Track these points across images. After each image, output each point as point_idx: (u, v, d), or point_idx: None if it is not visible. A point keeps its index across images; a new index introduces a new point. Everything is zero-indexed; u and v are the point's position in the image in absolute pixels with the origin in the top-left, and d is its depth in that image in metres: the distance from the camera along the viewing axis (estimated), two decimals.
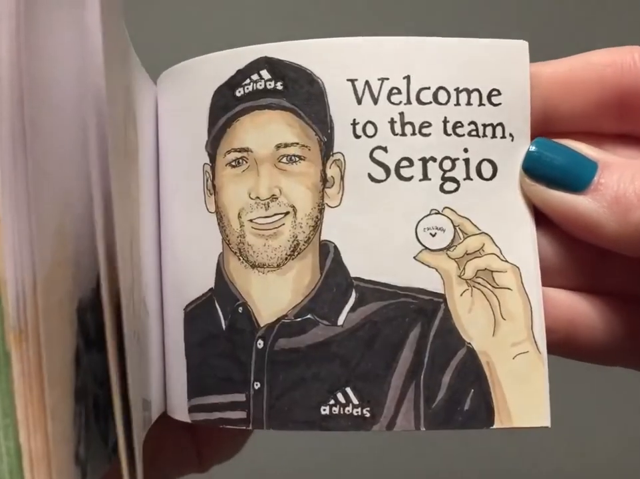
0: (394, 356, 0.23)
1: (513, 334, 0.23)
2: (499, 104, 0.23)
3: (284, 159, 0.24)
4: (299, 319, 0.23)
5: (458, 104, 0.23)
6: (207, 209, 0.25)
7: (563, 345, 0.23)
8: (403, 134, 0.23)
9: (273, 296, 0.24)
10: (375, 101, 0.23)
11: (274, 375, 0.23)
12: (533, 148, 0.23)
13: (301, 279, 0.23)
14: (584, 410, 0.53)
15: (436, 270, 0.23)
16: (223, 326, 0.24)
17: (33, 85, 0.17)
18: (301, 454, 0.54)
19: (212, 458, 0.31)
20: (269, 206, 0.24)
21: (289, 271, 0.23)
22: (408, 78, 0.23)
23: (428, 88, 0.23)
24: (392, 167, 0.23)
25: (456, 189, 0.23)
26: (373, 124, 0.23)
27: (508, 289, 0.23)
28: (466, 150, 0.23)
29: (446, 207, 0.23)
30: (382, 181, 0.23)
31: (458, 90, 0.23)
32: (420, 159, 0.23)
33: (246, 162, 0.24)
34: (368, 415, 0.23)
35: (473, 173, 0.23)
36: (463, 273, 0.23)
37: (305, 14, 0.57)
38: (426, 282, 0.23)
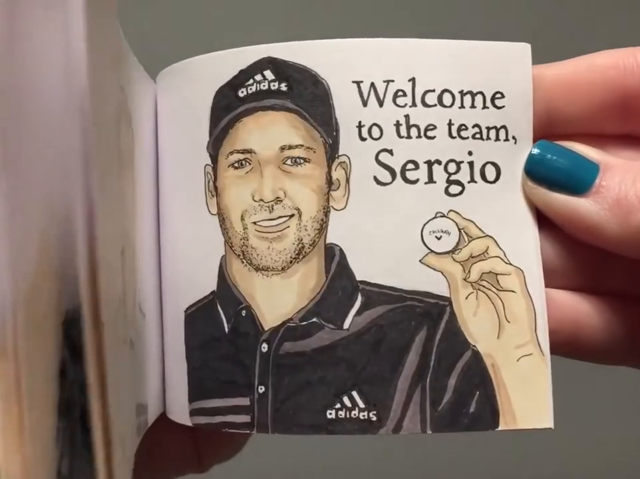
0: (400, 360, 0.23)
1: (518, 336, 0.23)
2: (503, 106, 0.23)
3: (289, 162, 0.23)
4: (304, 323, 0.23)
5: (462, 106, 0.23)
6: (209, 211, 0.24)
7: (566, 346, 0.23)
8: (409, 137, 0.23)
9: (277, 299, 0.23)
10: (381, 103, 0.23)
11: (279, 379, 0.23)
12: (535, 151, 0.23)
13: (306, 282, 0.23)
14: (584, 411, 0.54)
15: (442, 273, 0.23)
16: (226, 330, 0.24)
17: (13, 89, 0.17)
18: (301, 453, 0.54)
19: (212, 458, 0.31)
20: (273, 209, 0.23)
21: (294, 274, 0.23)
22: (413, 80, 0.23)
23: (433, 90, 0.23)
24: (398, 170, 0.23)
25: (461, 192, 0.23)
26: (379, 126, 0.23)
27: (512, 291, 0.23)
28: (470, 153, 0.23)
29: (451, 210, 0.23)
30: (387, 184, 0.23)
31: (462, 93, 0.23)
32: (425, 162, 0.23)
33: (249, 164, 0.24)
34: (374, 419, 0.23)
35: (477, 176, 0.23)
36: (468, 276, 0.23)
37: (307, 14, 0.56)
38: (432, 285, 0.23)
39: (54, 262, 0.18)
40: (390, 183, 0.23)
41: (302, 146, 0.23)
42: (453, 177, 0.23)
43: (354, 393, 0.23)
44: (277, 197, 0.23)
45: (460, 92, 0.23)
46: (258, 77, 0.24)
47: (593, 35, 0.49)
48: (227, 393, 0.24)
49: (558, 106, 0.24)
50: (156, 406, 0.26)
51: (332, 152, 0.23)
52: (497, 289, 0.23)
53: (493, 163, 0.23)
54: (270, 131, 0.23)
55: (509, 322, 0.23)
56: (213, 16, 0.55)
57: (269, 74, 0.24)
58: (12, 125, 0.17)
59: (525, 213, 0.24)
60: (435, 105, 0.23)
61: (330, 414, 0.23)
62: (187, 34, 0.51)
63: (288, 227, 0.23)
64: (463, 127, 0.23)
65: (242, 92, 0.24)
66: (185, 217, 0.25)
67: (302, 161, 0.23)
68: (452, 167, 0.23)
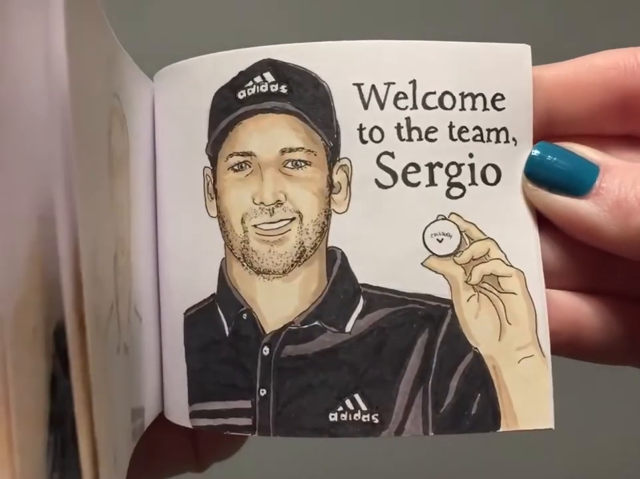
0: (402, 363, 0.23)
1: (519, 338, 0.23)
2: (503, 108, 0.23)
3: (289, 164, 0.23)
4: (305, 326, 0.23)
5: (463, 109, 0.23)
6: (208, 214, 0.24)
7: (567, 346, 0.24)
8: (410, 139, 0.23)
9: (278, 303, 0.23)
10: (382, 106, 0.23)
11: (281, 382, 0.23)
12: (534, 153, 0.23)
13: (308, 285, 0.23)
14: (583, 411, 0.54)
15: (443, 276, 0.23)
16: (227, 333, 0.24)
17: None
18: (300, 453, 0.54)
19: (210, 457, 0.31)
20: (273, 212, 0.23)
21: (295, 277, 0.23)
22: (414, 82, 0.23)
23: (434, 92, 0.23)
24: (399, 173, 0.23)
25: (462, 195, 0.23)
26: (380, 129, 0.23)
27: (513, 293, 0.23)
28: (471, 155, 0.23)
29: (453, 213, 0.23)
30: (389, 187, 0.23)
31: (463, 95, 0.23)
32: (426, 165, 0.23)
33: (249, 166, 0.24)
34: (376, 421, 0.23)
35: (478, 179, 0.23)
36: (469, 279, 0.23)
37: (308, 15, 0.56)
38: (434, 288, 0.23)
39: (43, 273, 0.18)
40: (392, 186, 0.23)
41: (302, 148, 0.23)
42: (454, 180, 0.23)
43: (357, 396, 0.23)
44: (278, 201, 0.23)
45: (460, 94, 0.23)
46: (258, 79, 0.23)
47: (593, 35, 0.49)
48: (228, 396, 0.24)
49: (558, 107, 0.24)
50: (153, 408, 0.26)
51: (333, 154, 0.23)
52: (499, 291, 0.23)
53: (494, 166, 0.23)
54: (270, 133, 0.23)
55: (510, 324, 0.23)
56: (213, 16, 0.55)
57: (268, 76, 0.23)
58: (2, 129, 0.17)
59: (525, 215, 0.24)
60: (436, 107, 0.23)
61: (332, 416, 0.23)
62: (185, 35, 0.51)
63: (289, 230, 0.23)
64: (464, 129, 0.23)
65: (242, 94, 0.24)
66: (183, 219, 0.25)
67: (303, 164, 0.23)
68: (453, 170, 0.23)
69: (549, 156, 0.23)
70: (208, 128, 0.24)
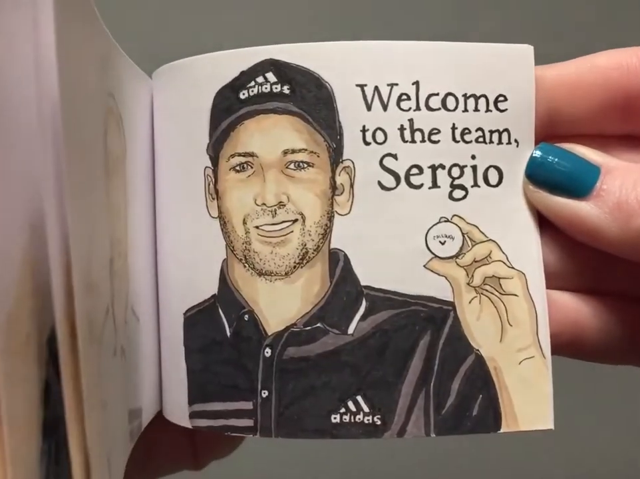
0: (404, 364, 0.23)
1: (520, 339, 0.23)
2: (505, 109, 0.23)
3: (292, 166, 0.23)
4: (308, 328, 0.23)
5: (465, 110, 0.23)
6: (209, 214, 0.24)
7: (568, 347, 0.24)
8: (413, 141, 0.23)
9: (281, 304, 0.23)
10: (385, 107, 0.23)
11: (283, 384, 0.23)
12: (536, 154, 0.23)
13: (310, 287, 0.23)
14: (584, 412, 0.55)
15: (446, 278, 0.23)
16: (228, 334, 0.24)
17: None
18: (300, 454, 0.54)
19: (208, 455, 0.31)
20: (276, 213, 0.23)
21: (297, 279, 0.23)
22: (417, 83, 0.23)
23: (437, 94, 0.23)
24: (402, 175, 0.23)
25: (464, 197, 0.23)
26: (383, 130, 0.23)
27: (514, 295, 0.23)
28: (473, 157, 0.23)
29: (455, 215, 0.23)
30: (392, 189, 0.23)
31: (465, 96, 0.23)
32: (429, 167, 0.23)
33: (251, 167, 0.23)
34: (379, 423, 0.23)
35: (480, 180, 0.23)
36: (471, 281, 0.23)
37: (310, 15, 0.55)
38: (436, 290, 0.23)
39: (35, 280, 0.17)
40: (395, 188, 0.23)
41: (305, 150, 0.23)
42: (457, 182, 0.23)
43: (359, 398, 0.23)
44: (280, 202, 0.23)
45: (463, 95, 0.23)
46: (260, 79, 0.23)
47: (593, 35, 0.49)
48: (229, 397, 0.24)
49: (560, 107, 0.24)
50: (151, 408, 0.26)
51: (336, 156, 0.23)
52: (500, 293, 0.23)
53: (496, 167, 0.23)
54: (272, 134, 0.23)
55: (511, 325, 0.23)
56: (213, 15, 0.54)
57: (271, 76, 0.23)
58: None
59: (527, 217, 0.24)
60: (439, 109, 0.23)
61: (334, 418, 0.23)
62: (185, 33, 0.50)
63: (291, 232, 0.23)
64: (466, 131, 0.23)
65: (243, 94, 0.23)
66: (184, 219, 0.25)
67: (305, 165, 0.23)
68: (455, 172, 0.23)
69: (550, 157, 0.23)
70: (209, 127, 0.24)
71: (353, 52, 0.23)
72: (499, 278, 0.23)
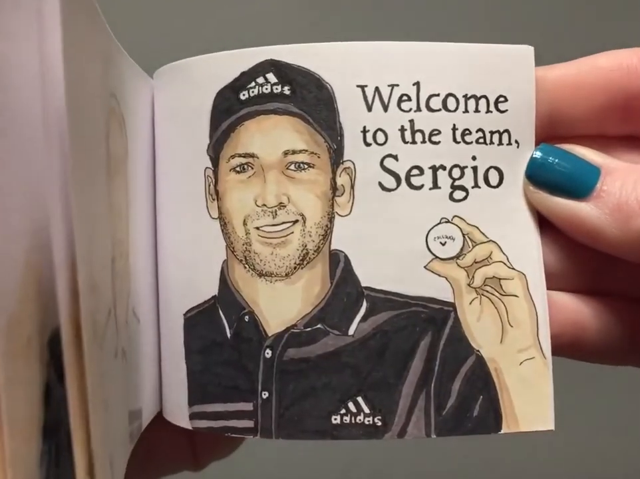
0: (404, 365, 0.23)
1: (520, 340, 0.23)
2: (506, 110, 0.23)
3: (292, 167, 0.23)
4: (308, 329, 0.23)
5: (466, 111, 0.23)
6: (210, 215, 0.24)
7: (568, 347, 0.24)
8: (413, 142, 0.23)
9: (281, 305, 0.23)
10: (385, 108, 0.23)
11: (283, 385, 0.23)
12: (536, 155, 0.23)
13: (311, 288, 0.23)
14: (585, 412, 0.55)
15: (446, 279, 0.23)
16: (228, 335, 0.24)
17: None
18: (300, 454, 0.54)
19: (208, 456, 0.31)
20: (276, 214, 0.23)
21: (298, 280, 0.23)
22: (417, 84, 0.23)
23: (438, 95, 0.23)
24: (403, 176, 0.23)
25: (465, 198, 0.23)
26: (383, 131, 0.23)
27: (515, 296, 0.23)
28: (474, 158, 0.23)
29: (456, 216, 0.23)
30: (392, 190, 0.23)
31: (466, 97, 0.23)
32: (430, 168, 0.23)
33: (252, 168, 0.23)
34: (379, 424, 0.23)
35: (481, 181, 0.23)
36: (472, 282, 0.23)
37: (310, 16, 0.55)
38: (437, 291, 0.23)
39: (38, 282, 0.17)
40: (395, 189, 0.23)
41: (306, 151, 0.23)
42: (457, 183, 0.23)
43: (359, 399, 0.23)
44: (281, 203, 0.23)
45: (464, 96, 0.23)
46: (260, 80, 0.23)
47: (593, 35, 0.49)
48: (229, 398, 0.24)
49: (561, 108, 0.24)
50: (151, 408, 0.26)
51: (336, 157, 0.23)
52: (501, 294, 0.23)
53: (497, 168, 0.23)
54: (273, 135, 0.23)
55: (512, 326, 0.23)
56: (213, 15, 0.54)
57: (271, 76, 0.23)
58: None
59: (527, 217, 0.24)
60: (439, 110, 0.23)
61: (335, 419, 0.23)
62: (187, 34, 0.50)
63: (292, 233, 0.23)
64: (467, 132, 0.23)
65: (244, 94, 0.23)
66: (184, 219, 0.25)
67: (306, 166, 0.23)
68: (456, 173, 0.23)
69: (550, 158, 0.23)
70: (209, 128, 0.24)
71: (354, 53, 0.23)
72: (499, 279, 0.23)
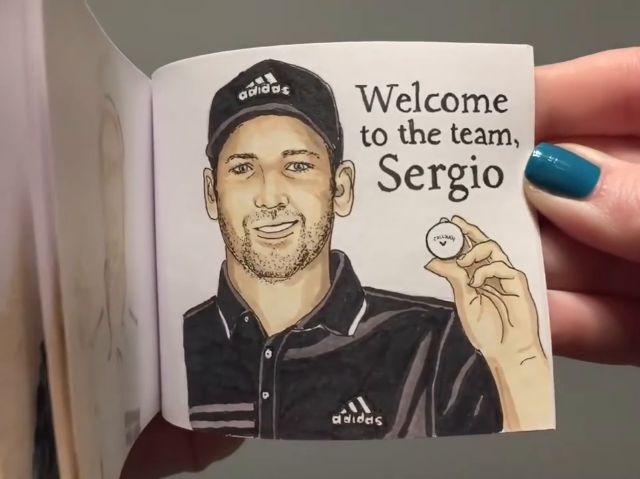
0: (405, 365, 0.23)
1: (521, 340, 0.23)
2: (505, 110, 0.23)
3: (291, 167, 0.23)
4: (308, 329, 0.23)
5: (465, 110, 0.23)
6: (209, 216, 0.24)
7: (569, 347, 0.24)
8: (413, 142, 0.23)
9: (281, 306, 0.23)
10: (384, 108, 0.23)
11: (284, 385, 0.23)
12: (535, 154, 0.23)
13: (311, 288, 0.23)
14: (585, 411, 0.55)
15: (446, 279, 0.23)
16: (228, 335, 0.24)
17: None
18: (300, 454, 0.54)
19: (207, 457, 0.31)
20: (276, 214, 0.23)
21: (297, 280, 0.23)
22: (417, 84, 0.23)
23: (437, 94, 0.23)
24: (402, 176, 0.23)
25: (465, 197, 0.23)
26: (383, 131, 0.23)
27: (515, 295, 0.23)
28: (473, 158, 0.23)
29: (455, 216, 0.23)
30: (392, 190, 0.23)
31: (465, 97, 0.23)
32: (429, 168, 0.23)
33: (251, 169, 0.23)
34: (380, 424, 0.23)
35: (480, 181, 0.23)
36: (472, 281, 0.23)
37: (310, 16, 0.55)
38: (437, 291, 0.23)
39: (27, 286, 0.17)
40: (395, 189, 0.23)
41: (305, 151, 0.23)
42: (457, 183, 0.23)
43: (360, 399, 0.23)
44: (280, 203, 0.23)
45: (463, 96, 0.23)
46: (259, 80, 0.23)
47: (593, 35, 0.49)
48: (229, 398, 0.24)
49: (560, 108, 0.24)
50: (150, 409, 0.26)
51: (336, 157, 0.23)
52: (501, 294, 0.23)
53: (496, 168, 0.23)
54: (272, 135, 0.23)
55: (512, 326, 0.23)
56: (212, 16, 0.54)
57: (270, 77, 0.23)
58: None
59: (527, 217, 0.24)
60: (439, 109, 0.23)
61: (335, 419, 0.23)
62: (186, 34, 0.50)
63: (292, 233, 0.23)
64: (466, 131, 0.23)
65: (243, 95, 0.23)
66: (183, 220, 0.25)
67: (305, 166, 0.23)
68: (455, 172, 0.23)
69: (550, 157, 0.23)
70: (208, 129, 0.24)
71: (353, 53, 0.23)
72: (499, 278, 0.23)
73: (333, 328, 0.23)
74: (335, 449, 0.53)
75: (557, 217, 0.23)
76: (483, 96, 0.23)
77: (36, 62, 0.16)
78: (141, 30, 0.46)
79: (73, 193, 0.18)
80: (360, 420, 0.23)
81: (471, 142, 0.23)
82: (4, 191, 0.17)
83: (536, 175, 0.23)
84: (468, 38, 0.23)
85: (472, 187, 0.23)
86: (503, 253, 0.23)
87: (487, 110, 0.23)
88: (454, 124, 0.23)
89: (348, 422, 0.23)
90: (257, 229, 0.23)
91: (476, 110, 0.23)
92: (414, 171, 0.23)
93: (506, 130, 0.23)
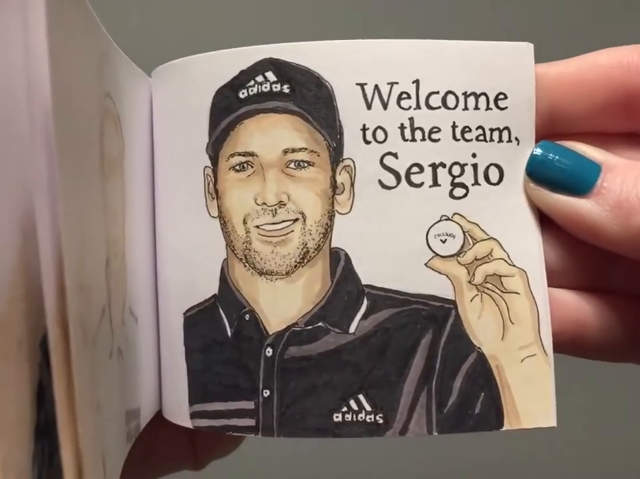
0: (406, 363, 0.23)
1: (521, 337, 0.23)
2: (506, 107, 0.23)
3: (292, 165, 0.23)
4: (309, 327, 0.23)
5: (466, 108, 0.23)
6: (209, 214, 0.24)
7: (570, 344, 0.24)
8: (413, 140, 0.23)
9: (282, 304, 0.23)
10: (385, 106, 0.23)
11: (285, 383, 0.23)
12: (536, 152, 0.23)
13: (311, 286, 0.23)
14: (586, 409, 0.55)
15: (447, 276, 0.23)
16: (229, 333, 0.24)
17: None
18: (301, 453, 0.54)
19: (208, 455, 0.31)
20: (276, 212, 0.23)
21: (298, 278, 0.23)
22: (417, 82, 0.23)
23: (437, 92, 0.23)
24: (403, 174, 0.23)
25: (465, 195, 0.23)
26: (383, 129, 0.23)
27: (516, 293, 0.23)
28: (474, 155, 0.23)
29: (456, 214, 0.23)
30: (392, 187, 0.23)
31: (466, 95, 0.23)
32: (430, 165, 0.23)
33: (251, 167, 0.23)
34: (381, 421, 0.23)
35: (481, 179, 0.23)
36: (473, 279, 0.23)
37: (309, 14, 0.55)
38: (437, 288, 0.23)
39: (28, 283, 0.17)
40: (395, 187, 0.23)
41: (305, 149, 0.23)
42: (457, 180, 0.23)
43: (361, 396, 0.23)
44: (281, 201, 0.23)
45: (463, 93, 0.23)
46: (259, 78, 0.23)
47: (593, 34, 0.49)
48: (230, 397, 0.24)
49: (561, 105, 0.24)
50: (150, 407, 0.26)
51: (336, 155, 0.23)
52: (502, 291, 0.23)
53: (497, 165, 0.23)
54: (272, 133, 0.23)
55: (513, 323, 0.23)
56: (212, 14, 0.54)
57: (270, 75, 0.23)
58: None
59: (528, 214, 0.24)
60: (439, 107, 0.23)
61: (336, 417, 0.23)
62: (186, 33, 0.50)
63: (292, 231, 0.23)
64: (467, 129, 0.23)
65: (243, 93, 0.23)
66: (183, 218, 0.25)
67: (306, 164, 0.23)
68: (456, 170, 0.23)
69: (550, 155, 0.23)
70: (209, 127, 0.24)
71: (353, 51, 0.23)
72: (500, 276, 0.23)
73: (334, 326, 0.23)
74: (336, 447, 0.53)
75: (557, 214, 0.23)
76: (484, 93, 0.23)
77: (39, 60, 0.16)
78: (141, 28, 0.46)
79: (75, 192, 0.18)
80: (361, 417, 0.23)
81: (471, 140, 0.23)
82: (4, 190, 0.17)
83: (537, 172, 0.23)
84: (468, 37, 0.23)
85: (473, 185, 0.23)
86: (504, 250, 0.23)
87: (487, 108, 0.23)
88: (454, 122, 0.23)
89: (349, 419, 0.23)
90: (257, 227, 0.23)
91: (476, 107, 0.23)
92: (415, 169, 0.23)
93: (507, 128, 0.23)
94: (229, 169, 0.24)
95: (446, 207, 0.23)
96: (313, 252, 0.23)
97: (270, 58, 0.23)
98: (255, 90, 0.23)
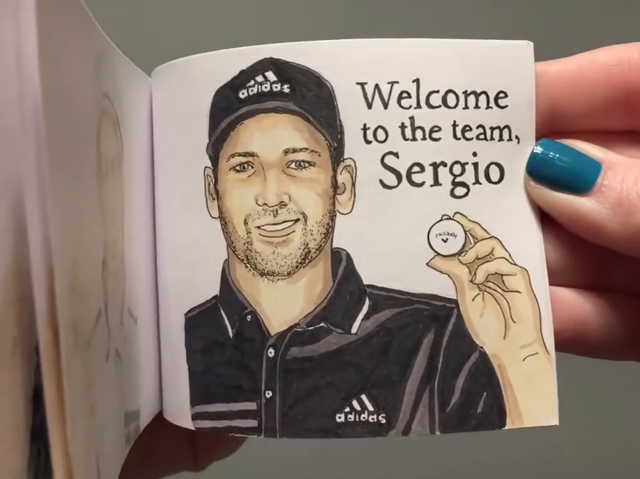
0: (408, 363, 0.23)
1: (523, 336, 0.23)
2: (506, 106, 0.23)
3: (293, 165, 0.23)
4: (311, 328, 0.23)
5: (466, 107, 0.23)
6: (210, 215, 0.24)
7: (571, 343, 0.24)
8: (414, 139, 0.23)
9: (283, 304, 0.23)
10: (385, 105, 0.23)
11: (287, 384, 0.23)
12: (536, 150, 0.23)
13: (313, 287, 0.23)
14: (588, 407, 0.55)
15: (448, 276, 0.23)
16: (230, 334, 0.24)
17: None
18: (302, 453, 0.54)
19: (208, 456, 0.31)
20: (277, 213, 0.23)
21: (300, 279, 0.23)
22: (417, 81, 0.23)
23: (437, 91, 0.23)
24: (404, 173, 0.23)
25: (466, 194, 0.23)
26: (384, 128, 0.23)
27: (517, 292, 0.23)
28: (474, 154, 0.23)
29: (457, 213, 0.23)
30: (393, 187, 0.23)
31: (466, 94, 0.23)
32: (430, 165, 0.23)
33: (252, 167, 0.23)
34: (383, 421, 0.23)
35: (482, 178, 0.23)
36: (474, 278, 0.23)
37: (309, 14, 0.55)
38: (439, 288, 0.23)
39: (21, 287, 0.17)
40: (396, 186, 0.23)
41: (306, 149, 0.23)
42: (458, 179, 0.23)
43: (363, 396, 0.23)
44: (282, 202, 0.23)
45: (464, 92, 0.23)
46: (259, 78, 0.23)
47: (593, 32, 0.49)
48: (232, 398, 0.24)
49: (561, 103, 0.24)
50: (150, 409, 0.26)
51: (337, 155, 0.23)
52: (503, 290, 0.23)
53: (497, 164, 0.23)
54: (273, 134, 0.23)
55: (515, 322, 0.23)
56: (212, 14, 0.54)
57: (270, 75, 0.23)
58: None
59: (528, 213, 0.24)
60: (439, 106, 0.23)
61: (339, 417, 0.23)
62: (186, 32, 0.50)
63: (293, 231, 0.23)
64: (467, 128, 0.23)
65: (243, 93, 0.23)
66: (184, 219, 0.25)
67: (306, 164, 0.23)
68: (457, 169, 0.23)
69: (551, 153, 0.23)
70: (209, 127, 0.24)
71: (353, 51, 0.23)
72: (502, 275, 0.23)
73: (336, 326, 0.23)
74: (339, 447, 0.53)
75: (558, 213, 0.23)
76: (484, 92, 0.23)
77: (30, 61, 0.16)
78: (140, 28, 0.46)
79: (68, 193, 0.18)
80: (364, 418, 0.23)
81: (472, 139, 0.23)
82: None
83: (537, 171, 0.23)
84: (468, 36, 0.23)
85: (474, 183, 0.23)
86: (505, 249, 0.23)
87: (488, 107, 0.23)
88: (454, 121, 0.23)
89: (352, 420, 0.23)
90: (258, 227, 0.23)
91: (476, 106, 0.23)
92: (416, 169, 0.23)
93: (507, 126, 0.23)
94: (230, 169, 0.24)
95: (447, 207, 0.23)
96: (315, 252, 0.23)
97: (270, 58, 0.23)
98: (255, 90, 0.23)
